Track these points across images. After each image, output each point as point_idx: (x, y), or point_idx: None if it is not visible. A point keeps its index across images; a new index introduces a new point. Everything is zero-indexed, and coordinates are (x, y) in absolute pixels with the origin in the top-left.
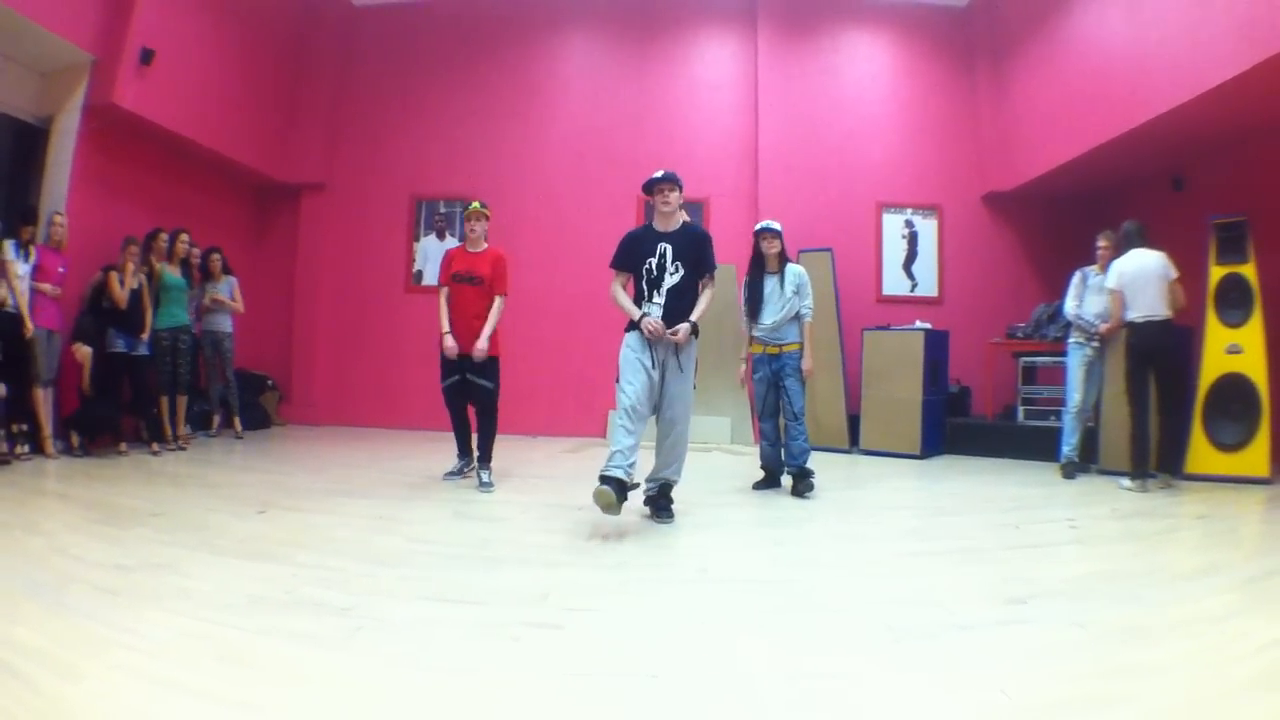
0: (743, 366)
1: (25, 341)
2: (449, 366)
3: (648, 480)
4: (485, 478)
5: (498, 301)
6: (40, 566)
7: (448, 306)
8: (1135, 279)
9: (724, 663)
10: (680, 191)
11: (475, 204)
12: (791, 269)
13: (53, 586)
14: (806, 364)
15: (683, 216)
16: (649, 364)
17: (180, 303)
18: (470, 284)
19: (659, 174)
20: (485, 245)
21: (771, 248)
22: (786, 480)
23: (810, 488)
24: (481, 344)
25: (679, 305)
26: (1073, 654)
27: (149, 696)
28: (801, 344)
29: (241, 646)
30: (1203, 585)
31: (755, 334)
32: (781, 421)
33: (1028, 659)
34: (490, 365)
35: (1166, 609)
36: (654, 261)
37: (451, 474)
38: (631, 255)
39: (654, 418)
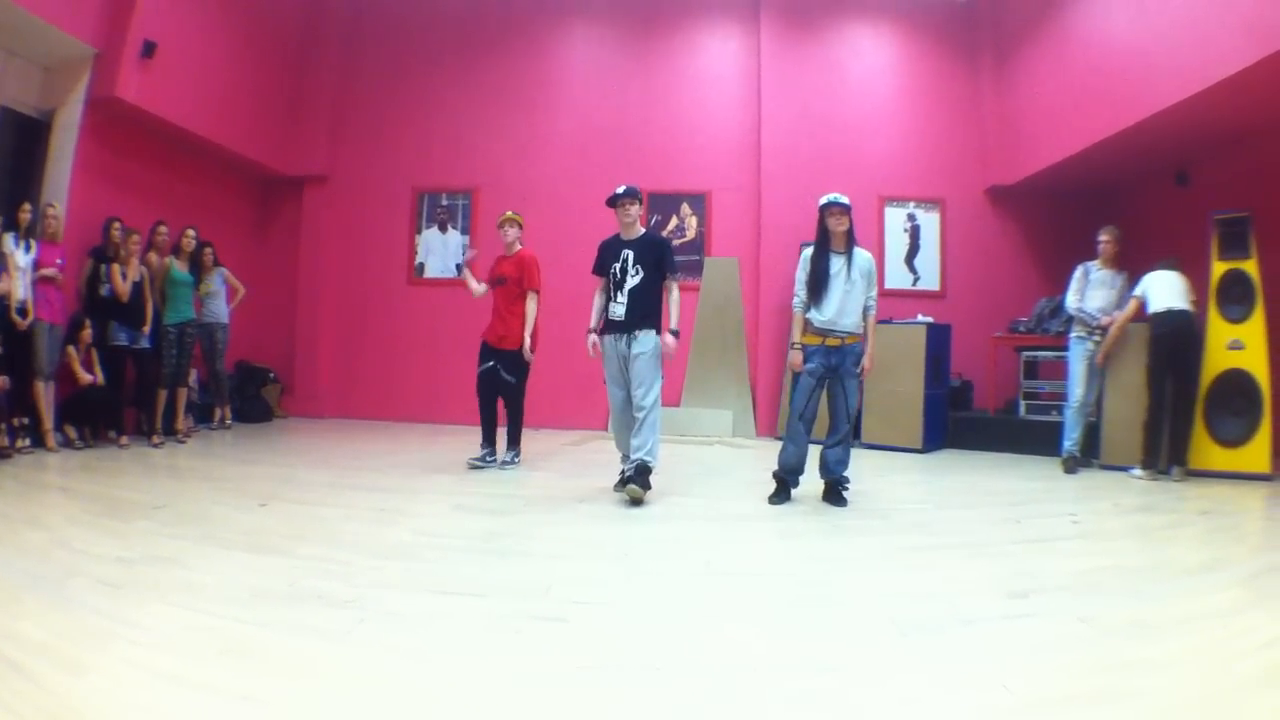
0: (797, 355)
1: (26, 335)
2: (483, 356)
3: (627, 462)
4: (508, 457)
5: (530, 300)
6: (42, 560)
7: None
8: (1162, 279)
9: (728, 656)
10: (640, 205)
11: (507, 213)
12: (862, 254)
13: (55, 580)
14: (868, 362)
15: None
16: (615, 369)
17: (187, 299)
18: (499, 285)
19: (620, 189)
20: (519, 249)
21: (840, 225)
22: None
23: (844, 502)
24: (527, 347)
25: (640, 303)
26: (1076, 649)
27: (152, 690)
28: (862, 337)
29: (244, 639)
30: (1206, 581)
31: (814, 322)
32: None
33: (1031, 654)
34: (515, 361)
35: (1169, 604)
36: (618, 266)
37: (475, 463)
38: (603, 261)
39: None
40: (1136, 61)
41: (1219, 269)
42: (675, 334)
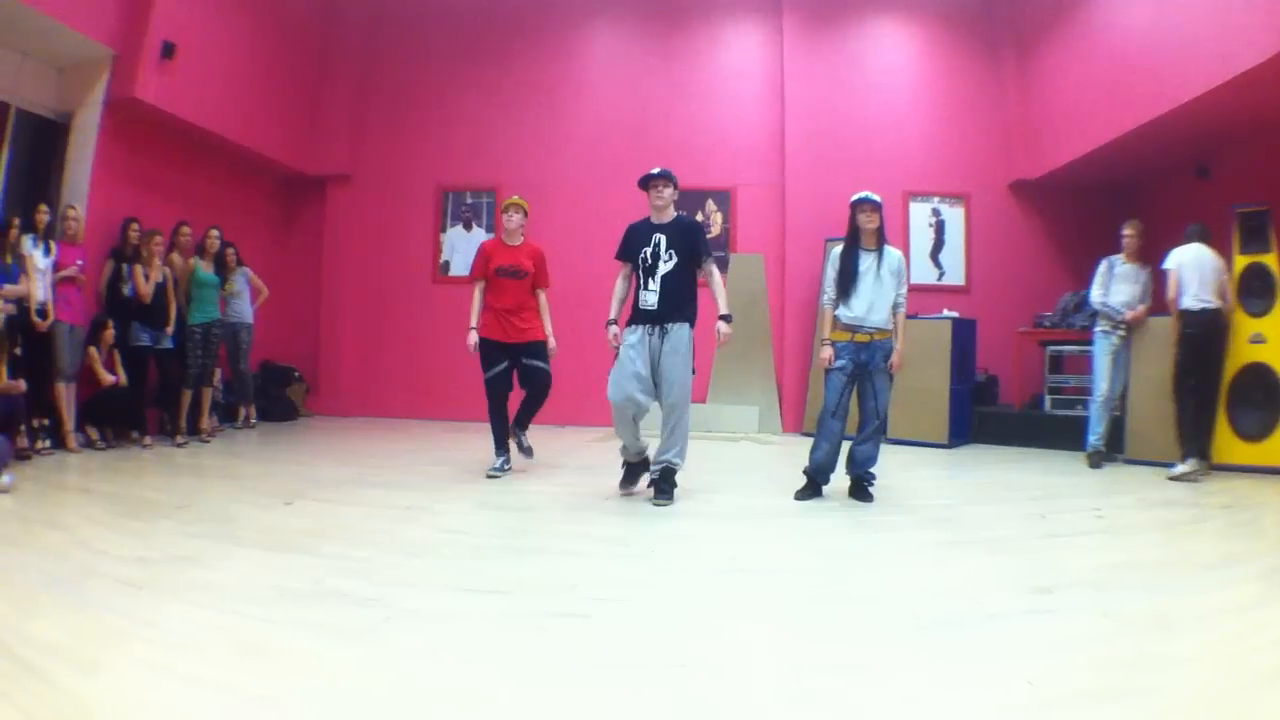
0: (828, 351)
1: (46, 336)
2: (494, 356)
3: (652, 463)
4: (525, 441)
5: (544, 297)
6: (61, 561)
7: (483, 299)
8: (1193, 264)
9: (752, 652)
10: (674, 188)
11: (515, 198)
12: (892, 251)
13: (73, 581)
14: (897, 359)
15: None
16: (639, 363)
17: (213, 299)
18: (514, 277)
19: (655, 170)
20: (522, 238)
21: (870, 222)
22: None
23: (870, 497)
24: (551, 343)
25: (674, 292)
26: (1097, 644)
27: (169, 691)
28: (891, 333)
29: (265, 639)
30: (1225, 576)
31: (842, 318)
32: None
33: (1053, 649)
34: (544, 349)
35: (1190, 599)
36: (649, 251)
37: (494, 473)
38: (630, 246)
39: (657, 403)
40: (1157, 55)
41: (1240, 263)
42: (728, 319)
